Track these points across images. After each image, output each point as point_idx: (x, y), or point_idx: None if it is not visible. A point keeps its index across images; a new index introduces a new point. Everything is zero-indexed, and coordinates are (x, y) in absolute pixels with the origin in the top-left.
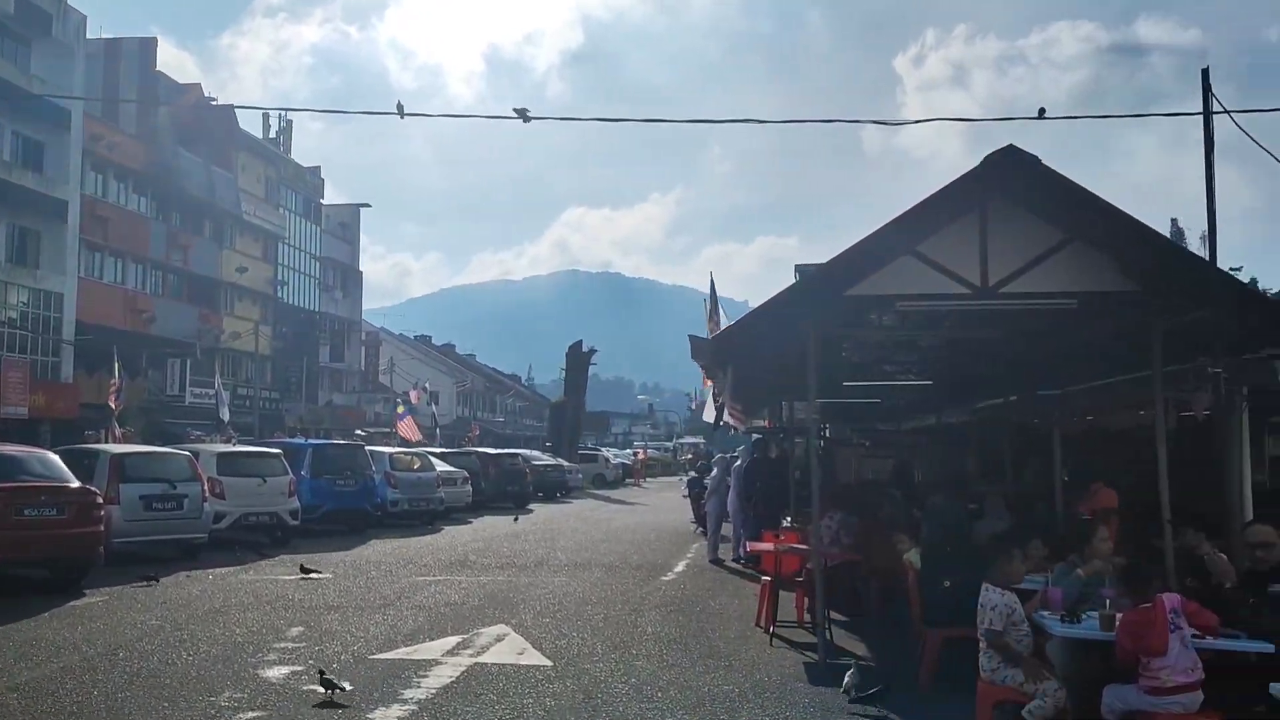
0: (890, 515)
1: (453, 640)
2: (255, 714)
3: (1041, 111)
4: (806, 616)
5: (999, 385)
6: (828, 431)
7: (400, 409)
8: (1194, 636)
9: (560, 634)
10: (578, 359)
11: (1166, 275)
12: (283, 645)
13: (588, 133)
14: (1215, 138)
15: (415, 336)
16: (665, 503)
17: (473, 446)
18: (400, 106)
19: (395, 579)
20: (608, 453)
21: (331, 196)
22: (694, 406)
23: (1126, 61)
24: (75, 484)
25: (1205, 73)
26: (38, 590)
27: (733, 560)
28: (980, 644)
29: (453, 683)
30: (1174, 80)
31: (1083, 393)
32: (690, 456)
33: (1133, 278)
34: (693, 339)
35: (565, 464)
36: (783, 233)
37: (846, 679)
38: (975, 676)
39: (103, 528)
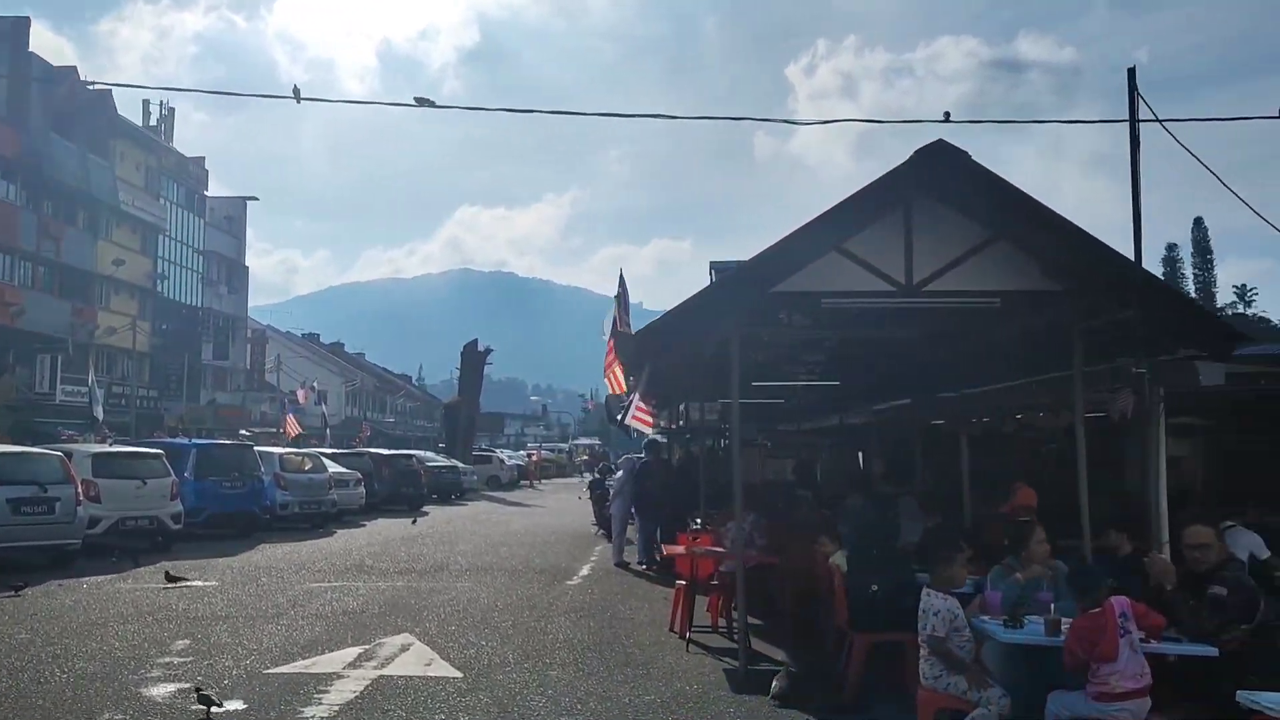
0: (805, 517)
1: (354, 651)
2: None
3: (947, 115)
4: (721, 621)
5: (908, 386)
6: (726, 433)
7: (302, 400)
8: (1139, 640)
9: (468, 643)
10: (473, 358)
11: (1091, 275)
12: (167, 660)
13: (482, 131)
14: (1090, 147)
15: (303, 334)
16: (563, 505)
17: (364, 447)
18: (297, 91)
19: (288, 586)
20: (502, 454)
21: (216, 189)
22: (590, 407)
23: (1007, 76)
24: None
25: (1132, 73)
26: None
27: (637, 564)
28: (921, 650)
29: (357, 698)
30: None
31: (990, 394)
32: (586, 458)
33: (1056, 277)
34: (616, 334)
35: (460, 465)
36: (677, 235)
37: (775, 685)
38: (903, 682)
39: None
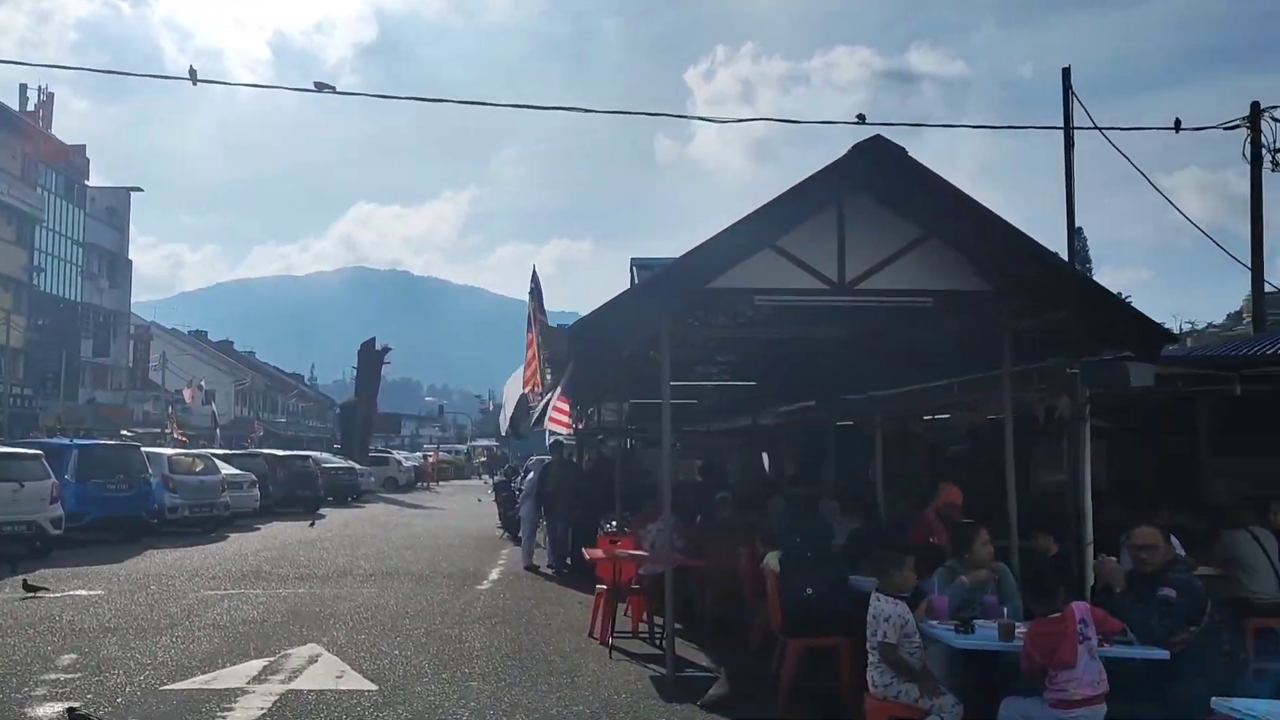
0: (728, 518)
1: (258, 664)
2: None
3: (861, 117)
4: (642, 626)
5: (825, 387)
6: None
7: (189, 399)
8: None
9: (380, 652)
10: (370, 357)
11: (1024, 275)
12: (53, 677)
13: (380, 127)
14: (977, 157)
15: (190, 331)
16: (464, 507)
17: (256, 448)
18: (193, 72)
19: (180, 594)
20: (399, 455)
21: (98, 180)
22: (489, 408)
23: (899, 87)
24: None
25: (1066, 73)
26: None
27: (547, 567)
28: (870, 658)
29: (264, 715)
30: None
31: (903, 395)
32: (485, 459)
33: (988, 277)
34: (545, 327)
35: (358, 467)
36: (577, 236)
37: (709, 692)
38: (837, 687)
39: None
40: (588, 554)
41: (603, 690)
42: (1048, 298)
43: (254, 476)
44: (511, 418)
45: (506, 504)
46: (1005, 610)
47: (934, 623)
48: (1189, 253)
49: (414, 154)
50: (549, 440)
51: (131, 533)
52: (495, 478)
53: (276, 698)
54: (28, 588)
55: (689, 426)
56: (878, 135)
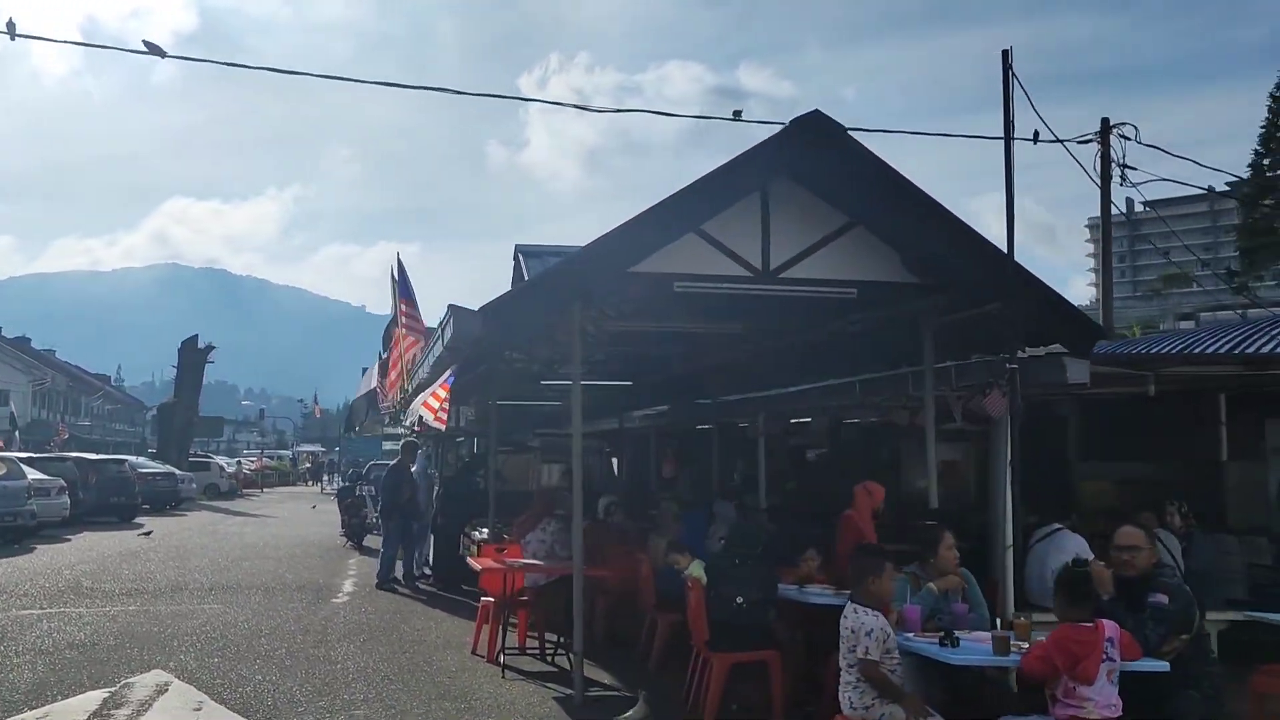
0: (619, 523)
1: (97, 696)
2: None
3: (737, 113)
4: (529, 641)
5: (711, 385)
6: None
7: None
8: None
9: (240, 677)
10: (192, 356)
11: (959, 266)
12: None
13: (200, 118)
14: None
15: None
16: (296, 515)
17: (60, 451)
18: (12, 25)
19: None
20: (221, 460)
21: None
22: (317, 413)
23: (730, 103)
24: None
25: (1006, 55)
26: None
27: (404, 578)
28: (847, 676)
29: None
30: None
31: (766, 399)
32: (310, 465)
33: (917, 267)
34: (455, 309)
35: (178, 472)
36: (405, 238)
37: (632, 714)
38: (765, 705)
39: None
40: (476, 563)
41: (505, 714)
42: (982, 290)
43: (63, 482)
44: (350, 410)
45: (352, 510)
46: (999, 621)
47: (909, 635)
48: None
49: (237, 149)
50: (399, 442)
51: None
52: (338, 483)
53: None
54: None
55: (546, 429)
56: (817, 110)
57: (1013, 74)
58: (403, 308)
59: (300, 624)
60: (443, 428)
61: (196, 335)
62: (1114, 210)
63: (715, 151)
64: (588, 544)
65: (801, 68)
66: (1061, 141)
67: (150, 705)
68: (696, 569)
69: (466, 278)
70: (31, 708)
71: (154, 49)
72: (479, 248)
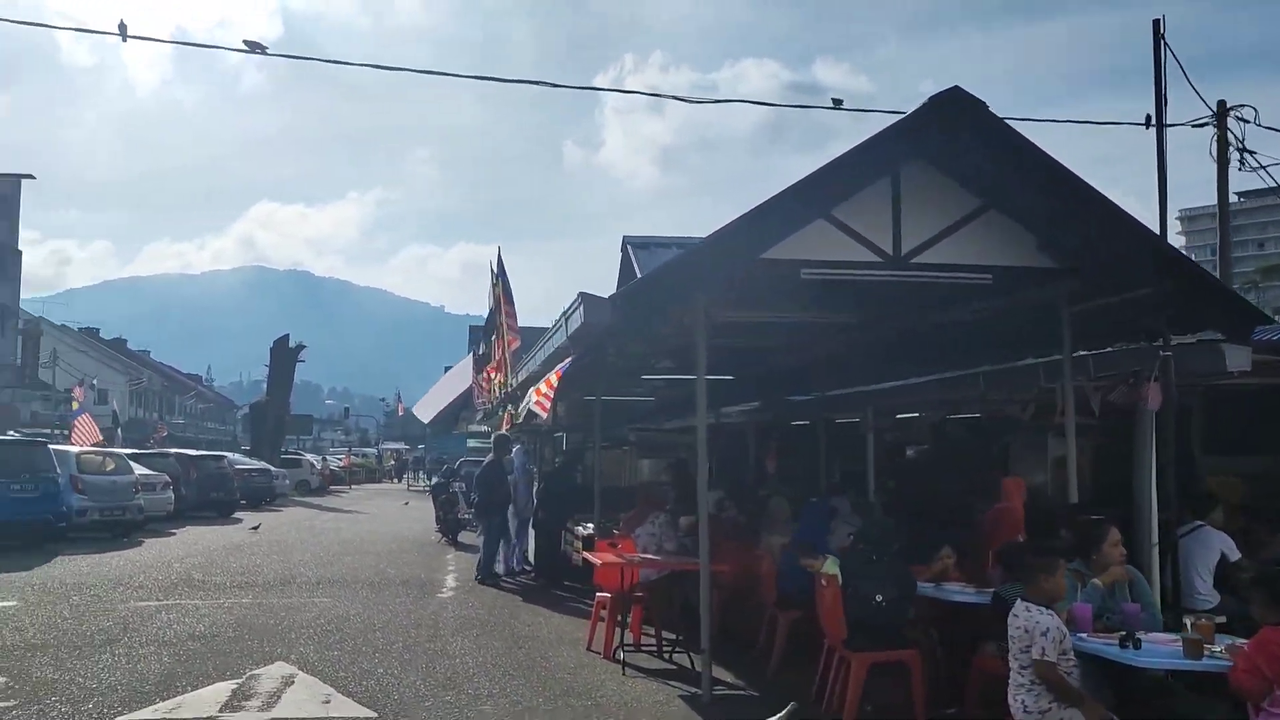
0: (731, 517)
1: (225, 687)
2: None
3: (837, 102)
4: (644, 637)
5: (818, 379)
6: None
7: (75, 404)
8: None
9: (363, 670)
10: (283, 355)
11: (1104, 248)
12: None
13: (285, 124)
14: None
15: (80, 328)
16: (387, 511)
17: (159, 448)
18: (123, 27)
19: (108, 606)
20: (311, 457)
21: None
22: (400, 412)
23: (806, 99)
24: None
25: (1156, 25)
26: None
27: (504, 574)
28: (1018, 679)
29: None
30: (848, 119)
31: (904, 388)
32: (394, 462)
33: (1053, 252)
34: (585, 296)
35: (273, 469)
36: (483, 240)
37: (783, 716)
38: (906, 706)
39: None
40: (595, 558)
41: (631, 712)
42: (1129, 273)
43: (167, 478)
44: (441, 411)
45: (446, 507)
46: (1188, 624)
47: (1082, 635)
48: None
49: (318, 153)
50: (485, 439)
51: (34, 538)
52: (422, 480)
53: None
54: None
55: (641, 425)
56: (956, 87)
57: (1165, 45)
58: (504, 304)
59: (411, 618)
60: (545, 415)
61: (287, 335)
62: (1229, 196)
63: (791, 148)
64: (695, 540)
65: (877, 62)
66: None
67: (279, 697)
68: (832, 566)
69: (546, 276)
70: (163, 698)
71: (254, 47)
72: (557, 246)
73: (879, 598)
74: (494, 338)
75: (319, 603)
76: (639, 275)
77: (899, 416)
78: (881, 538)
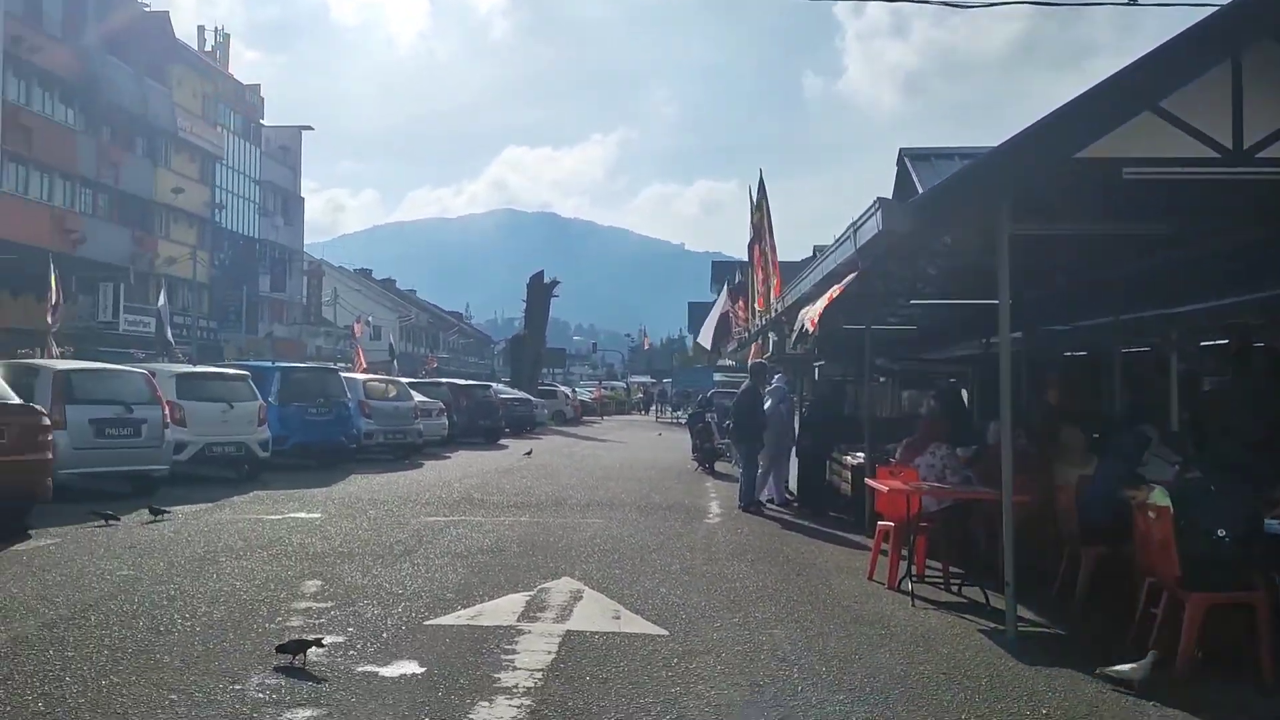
0: (1023, 447)
1: (520, 599)
2: (310, 713)
3: None
4: (926, 570)
5: (1104, 302)
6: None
7: (356, 337)
8: None
9: (646, 590)
10: (540, 290)
11: None
12: (304, 606)
13: (530, 70)
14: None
15: (354, 270)
16: (640, 440)
17: (429, 378)
18: None
19: (401, 520)
20: (565, 389)
21: (270, 122)
22: (646, 345)
23: (1062, 15)
24: (16, 400)
25: None
26: None
27: (767, 502)
28: None
29: (556, 661)
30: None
31: (1220, 308)
32: (642, 395)
33: None
34: (884, 200)
35: (533, 399)
36: (722, 177)
37: (1139, 668)
38: (1251, 651)
39: (51, 455)
40: (879, 484)
41: (935, 646)
42: None
43: (442, 404)
44: (711, 339)
45: (703, 436)
46: None
47: None
48: None
49: (564, 97)
50: (730, 374)
51: (328, 458)
52: (687, 410)
53: (559, 640)
54: (154, 512)
55: (895, 357)
56: None
57: None
58: (766, 233)
59: (683, 541)
60: (813, 329)
61: (542, 271)
62: None
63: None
64: (980, 471)
65: None
66: None
67: (571, 610)
68: (1161, 497)
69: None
70: (463, 606)
71: None
72: (795, 183)
73: (1222, 532)
74: (753, 266)
75: (592, 523)
76: (920, 189)
77: (1203, 344)
78: (1217, 467)
